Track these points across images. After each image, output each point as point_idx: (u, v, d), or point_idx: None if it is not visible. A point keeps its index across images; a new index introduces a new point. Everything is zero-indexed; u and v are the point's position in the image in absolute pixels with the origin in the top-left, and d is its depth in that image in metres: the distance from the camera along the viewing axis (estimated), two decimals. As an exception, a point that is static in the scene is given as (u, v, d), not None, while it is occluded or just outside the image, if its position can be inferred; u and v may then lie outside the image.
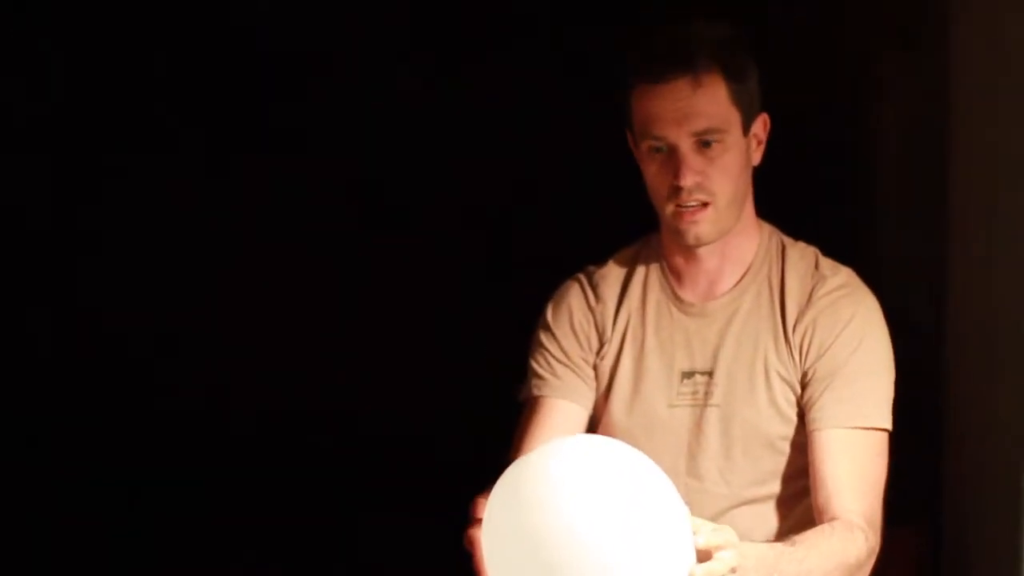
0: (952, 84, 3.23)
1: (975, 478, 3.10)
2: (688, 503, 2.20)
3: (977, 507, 3.07)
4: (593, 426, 2.26)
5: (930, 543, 3.25)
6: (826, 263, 2.23)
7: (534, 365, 2.28)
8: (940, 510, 3.34)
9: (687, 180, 2.08)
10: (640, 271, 2.26)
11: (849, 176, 3.80)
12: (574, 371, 2.25)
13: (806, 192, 3.43)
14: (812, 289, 2.18)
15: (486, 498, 1.80)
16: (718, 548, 1.73)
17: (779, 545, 1.92)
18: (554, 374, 2.25)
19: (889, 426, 2.17)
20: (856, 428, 2.13)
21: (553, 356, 2.26)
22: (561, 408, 2.24)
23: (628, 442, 2.21)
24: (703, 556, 1.73)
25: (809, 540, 1.97)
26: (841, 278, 2.21)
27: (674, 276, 2.24)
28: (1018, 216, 2.70)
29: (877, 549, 2.08)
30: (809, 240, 2.29)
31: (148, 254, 4.41)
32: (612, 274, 2.28)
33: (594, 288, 2.28)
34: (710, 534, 1.73)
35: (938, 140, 3.32)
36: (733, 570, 1.75)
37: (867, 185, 3.80)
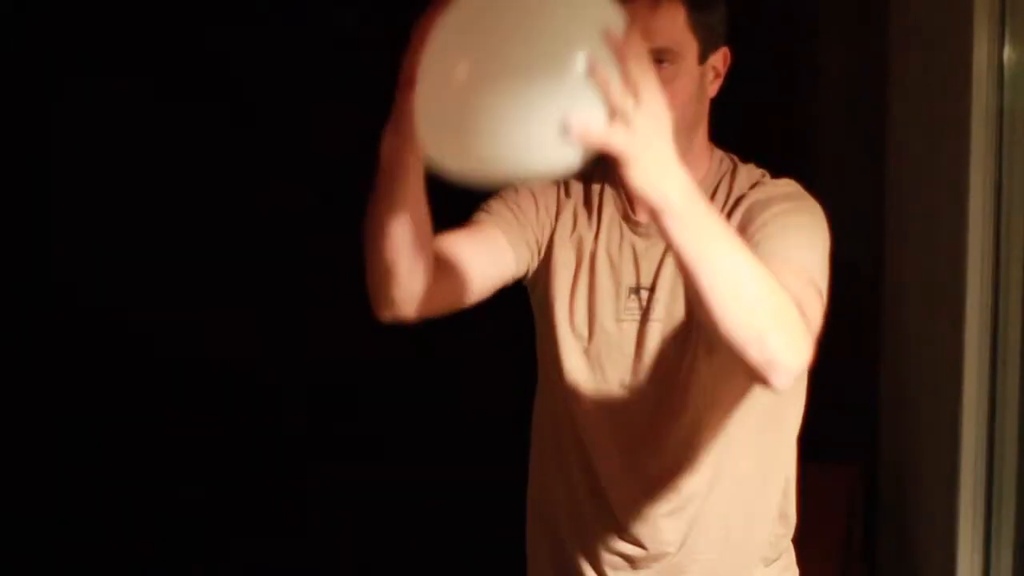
0: (891, 35, 3.26)
1: (911, 415, 3.15)
2: (636, 423, 2.21)
3: (913, 443, 3.12)
4: (543, 341, 2.25)
5: (866, 479, 3.29)
6: (770, 178, 2.20)
7: (490, 200, 2.20)
8: (876, 446, 3.38)
9: None
10: (598, 184, 2.27)
11: (791, 122, 3.82)
12: (520, 220, 2.20)
13: (747, 141, 3.44)
14: (751, 188, 2.15)
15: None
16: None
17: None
18: (499, 214, 2.19)
19: (824, 288, 1.97)
20: (789, 264, 1.93)
21: (506, 205, 2.19)
22: (495, 236, 2.17)
23: (579, 357, 2.22)
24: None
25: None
26: (783, 182, 2.17)
27: (627, 193, 2.23)
28: (957, 157, 2.73)
29: (812, 348, 1.81)
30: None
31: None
32: (579, 180, 2.28)
33: (567, 185, 2.27)
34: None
35: (879, 86, 3.35)
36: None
37: (809, 131, 3.83)
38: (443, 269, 2.07)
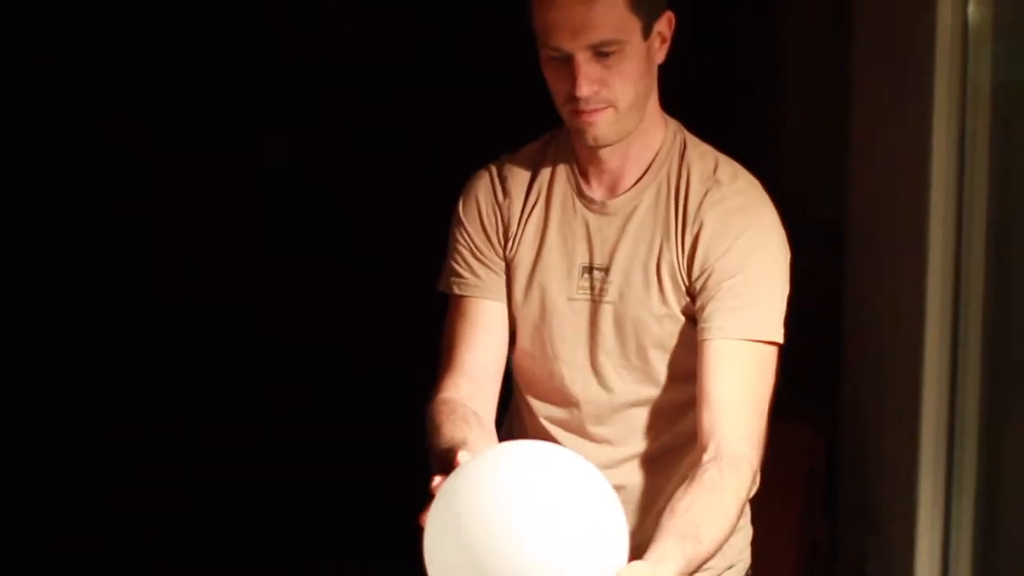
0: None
1: (873, 370, 3.18)
2: (589, 400, 2.23)
3: (874, 397, 3.15)
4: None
5: (827, 433, 3.33)
6: (725, 169, 2.17)
7: (452, 263, 2.26)
8: (838, 402, 3.42)
9: (583, 90, 2.05)
10: (548, 164, 2.24)
11: (756, 74, 3.83)
12: (490, 268, 2.24)
13: (712, 90, 3.45)
14: (706, 194, 2.15)
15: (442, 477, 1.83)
16: None
17: (688, 548, 1.89)
18: (472, 272, 2.24)
19: (780, 339, 2.13)
20: (745, 340, 2.09)
21: (470, 252, 2.25)
22: (484, 307, 2.23)
23: (530, 332, 2.23)
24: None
25: (707, 516, 1.95)
26: (738, 186, 2.16)
27: (581, 171, 2.21)
28: (920, 117, 2.75)
29: (759, 469, 2.08)
30: (715, 139, 2.28)
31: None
32: (521, 167, 2.26)
33: (503, 181, 2.25)
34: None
35: (841, 52, 3.37)
36: None
37: (772, 85, 3.84)
38: (491, 381, 2.23)
